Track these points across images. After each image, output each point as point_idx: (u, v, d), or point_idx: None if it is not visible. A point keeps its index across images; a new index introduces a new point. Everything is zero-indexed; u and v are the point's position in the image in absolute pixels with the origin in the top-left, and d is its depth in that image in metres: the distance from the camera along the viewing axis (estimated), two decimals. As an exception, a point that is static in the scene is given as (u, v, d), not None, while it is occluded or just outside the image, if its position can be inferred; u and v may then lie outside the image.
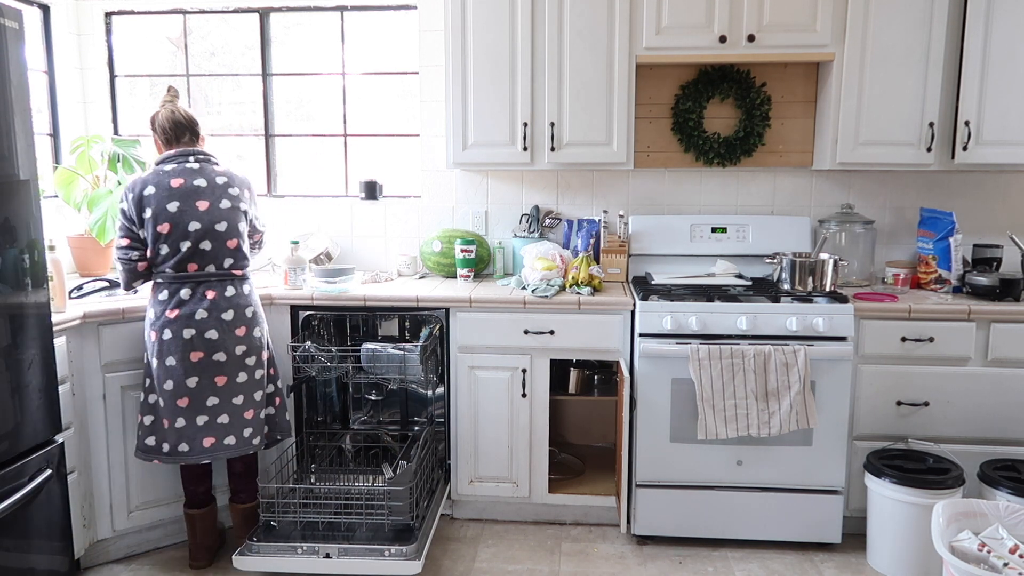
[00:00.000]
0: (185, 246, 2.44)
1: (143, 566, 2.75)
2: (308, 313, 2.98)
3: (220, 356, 2.47)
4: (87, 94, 3.60)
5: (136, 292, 2.84)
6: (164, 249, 2.46)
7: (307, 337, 2.98)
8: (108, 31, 3.59)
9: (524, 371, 2.91)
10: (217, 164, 2.60)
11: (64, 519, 2.27)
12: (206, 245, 2.47)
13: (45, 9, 3.37)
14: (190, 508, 2.68)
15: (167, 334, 2.44)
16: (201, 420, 2.47)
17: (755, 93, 3.27)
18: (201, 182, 2.49)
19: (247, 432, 2.54)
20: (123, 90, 3.67)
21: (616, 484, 2.95)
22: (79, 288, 2.84)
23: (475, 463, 3.00)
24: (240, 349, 2.51)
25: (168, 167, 2.51)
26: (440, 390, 3.20)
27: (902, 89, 2.95)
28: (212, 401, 2.48)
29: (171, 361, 2.44)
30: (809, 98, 3.29)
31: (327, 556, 2.46)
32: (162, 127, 2.57)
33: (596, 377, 3.29)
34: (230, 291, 2.52)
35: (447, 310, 2.93)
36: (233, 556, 2.49)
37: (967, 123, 2.93)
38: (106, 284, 2.91)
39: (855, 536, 2.88)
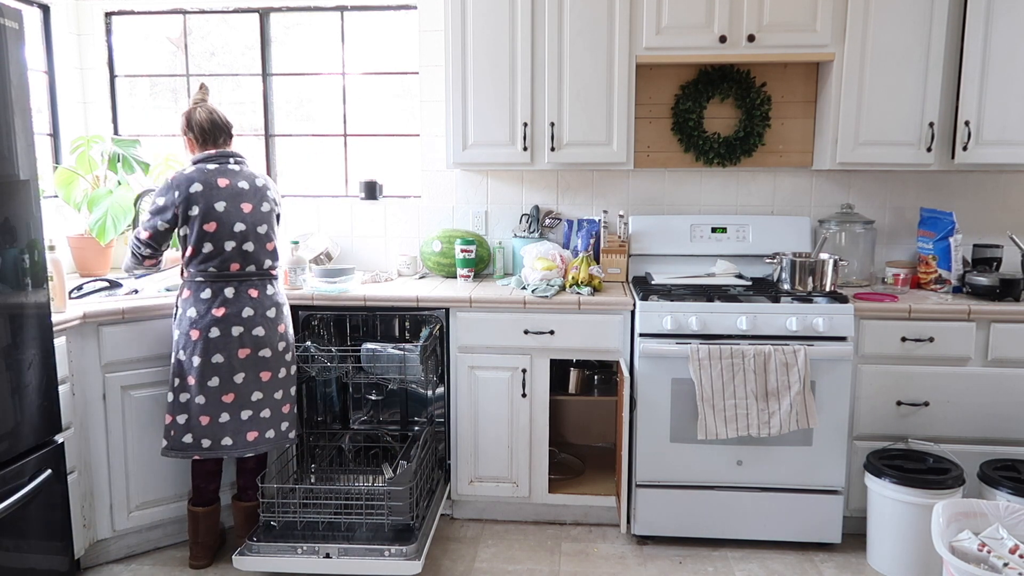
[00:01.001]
0: (230, 246, 2.50)
1: (143, 566, 2.75)
2: (308, 313, 2.98)
3: (266, 352, 2.56)
4: (87, 94, 3.60)
5: (137, 292, 2.85)
6: (207, 247, 2.48)
7: (307, 337, 2.98)
8: (108, 31, 3.59)
9: (524, 371, 2.91)
10: (248, 166, 2.65)
11: (64, 519, 2.27)
12: (249, 246, 2.54)
13: (45, 9, 3.37)
14: (195, 506, 2.68)
15: (215, 332, 2.48)
16: (246, 415, 2.54)
17: (755, 93, 3.27)
18: (244, 184, 2.55)
19: (284, 425, 2.64)
20: (123, 90, 3.67)
21: (616, 484, 2.95)
22: (79, 288, 2.84)
23: (475, 463, 3.00)
24: (282, 345, 2.62)
25: (211, 166, 2.53)
26: (440, 390, 3.20)
27: (902, 89, 2.95)
28: (256, 396, 2.55)
29: (218, 358, 2.49)
30: (809, 98, 3.29)
31: (327, 556, 2.46)
32: (200, 127, 2.57)
33: (596, 377, 3.29)
34: (270, 290, 2.61)
35: (447, 310, 2.93)
36: (233, 556, 2.49)
37: (967, 123, 2.93)
38: (106, 284, 2.91)
39: (855, 536, 2.88)
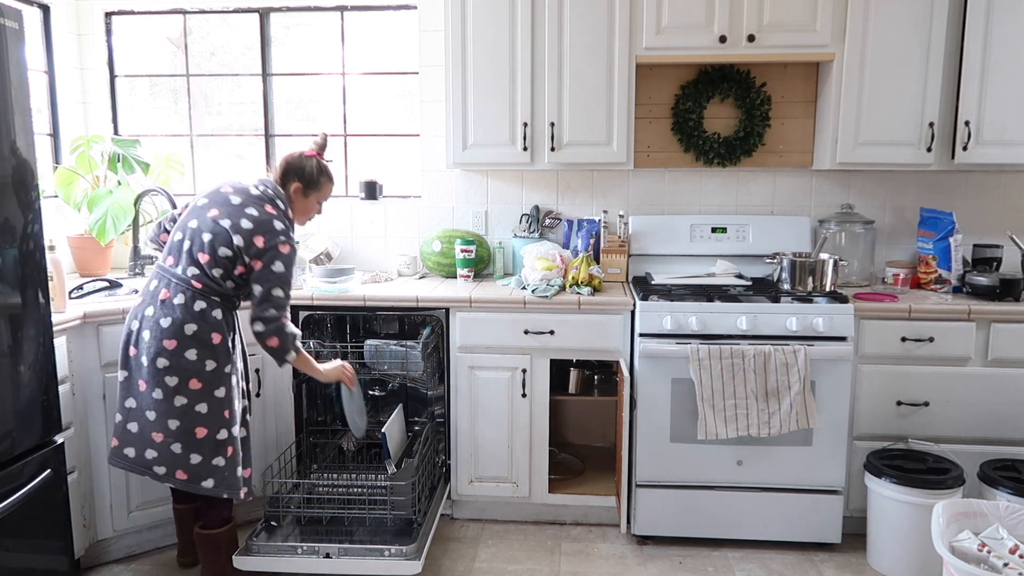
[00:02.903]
0: (177, 236, 2.37)
1: (143, 566, 2.75)
2: (308, 313, 2.98)
3: (144, 359, 2.29)
4: (87, 94, 3.60)
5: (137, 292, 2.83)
6: (170, 229, 2.48)
7: (307, 337, 2.99)
8: (108, 31, 3.59)
9: (524, 371, 2.91)
10: (267, 203, 2.38)
11: (64, 519, 2.27)
12: (186, 244, 2.32)
13: (45, 9, 3.37)
14: (176, 503, 2.66)
15: (126, 318, 2.38)
16: (118, 418, 2.35)
17: (755, 93, 3.27)
18: (235, 199, 2.35)
19: (150, 454, 2.31)
20: (123, 90, 3.67)
21: (616, 484, 2.95)
22: (79, 288, 2.84)
23: (475, 463, 3.00)
24: (161, 363, 2.26)
25: (244, 181, 2.45)
26: (440, 389, 3.20)
27: (902, 89, 2.95)
28: (130, 403, 2.33)
29: (121, 348, 2.36)
30: (809, 98, 3.29)
31: (327, 556, 2.46)
32: (310, 176, 2.49)
33: (596, 377, 3.29)
34: (179, 299, 2.29)
35: (447, 310, 2.93)
36: (233, 556, 2.49)
37: (967, 123, 2.93)
38: (106, 284, 2.91)
39: (855, 536, 2.88)
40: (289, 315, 2.35)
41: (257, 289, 2.29)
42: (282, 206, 2.41)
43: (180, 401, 2.28)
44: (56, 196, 3.28)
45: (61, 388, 2.40)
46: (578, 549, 2.87)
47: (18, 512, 2.03)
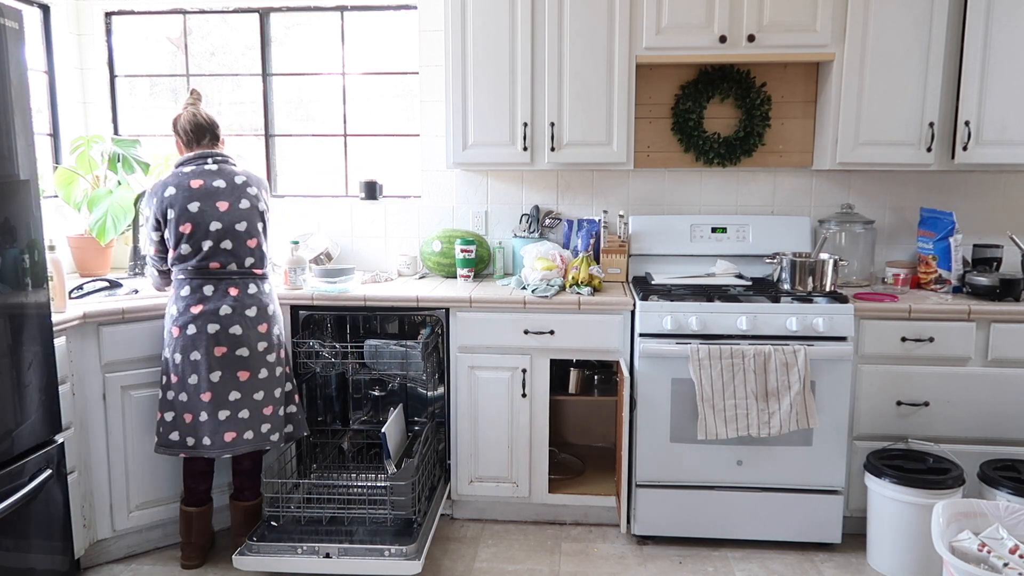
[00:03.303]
0: (207, 245, 2.50)
1: (143, 566, 2.75)
2: (308, 313, 2.98)
3: (243, 351, 2.51)
4: (87, 94, 3.60)
5: (137, 292, 2.85)
6: (185, 248, 2.51)
7: (308, 337, 2.99)
8: (108, 31, 3.59)
9: (524, 371, 2.91)
10: (235, 165, 2.64)
11: (64, 519, 2.27)
12: (227, 244, 2.52)
13: (45, 9, 3.37)
14: (188, 506, 2.69)
15: (191, 329, 2.48)
16: (223, 415, 2.51)
17: (755, 93, 3.27)
18: (220, 183, 2.54)
19: (265, 428, 2.58)
20: (123, 90, 3.67)
21: (616, 484, 2.95)
22: (79, 288, 2.84)
23: (475, 463, 3.00)
24: (262, 345, 2.56)
25: (187, 169, 2.57)
26: (440, 389, 3.21)
27: (902, 89, 2.95)
28: (234, 396, 2.52)
29: (196, 356, 2.49)
30: (809, 98, 3.29)
31: (327, 556, 2.46)
32: (183, 129, 2.64)
33: (596, 377, 3.29)
34: (252, 288, 2.57)
35: (447, 310, 2.93)
36: (233, 556, 2.49)
37: (967, 123, 2.93)
38: (106, 284, 2.91)
39: (855, 536, 2.88)
40: None
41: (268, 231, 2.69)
42: (232, 159, 2.67)
43: (279, 370, 2.63)
44: (56, 196, 3.28)
45: (61, 388, 2.40)
46: (578, 549, 2.87)
47: (18, 512, 2.03)
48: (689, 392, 2.74)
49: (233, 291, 2.53)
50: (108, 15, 3.58)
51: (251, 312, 2.54)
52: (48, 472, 2.16)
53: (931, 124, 2.95)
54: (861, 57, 2.94)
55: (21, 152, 2.07)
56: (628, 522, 2.86)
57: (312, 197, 3.59)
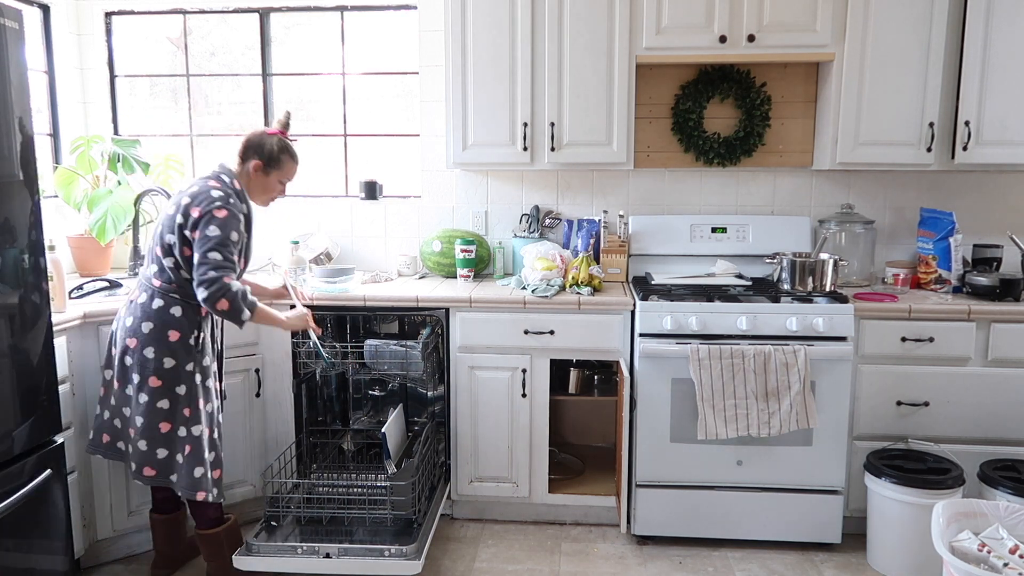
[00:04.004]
0: (149, 244, 2.45)
1: (143, 566, 2.75)
2: (308, 313, 2.98)
3: (116, 353, 2.39)
4: (87, 94, 3.60)
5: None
6: None
7: (307, 337, 2.98)
8: (108, 31, 3.59)
9: (524, 371, 2.91)
10: (211, 179, 2.38)
11: (64, 519, 2.27)
12: (149, 245, 2.41)
13: (45, 9, 3.37)
14: (154, 512, 2.65)
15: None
16: (106, 415, 2.46)
17: (755, 93, 3.27)
18: (193, 187, 2.35)
19: (129, 448, 2.41)
20: (123, 90, 3.67)
21: (616, 484, 2.95)
22: (79, 288, 2.84)
23: (475, 463, 3.00)
24: (128, 360, 2.35)
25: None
26: (440, 389, 3.21)
27: (902, 89, 2.95)
28: (112, 400, 2.44)
29: (107, 348, 2.48)
30: (809, 98, 3.29)
31: (327, 556, 2.46)
32: (270, 154, 2.45)
33: (596, 377, 3.29)
34: (142, 298, 2.36)
35: (447, 310, 2.93)
36: (233, 556, 2.49)
37: (967, 123, 2.93)
38: (106, 284, 2.91)
39: (855, 536, 2.88)
40: (233, 276, 2.28)
41: (195, 257, 2.26)
42: (227, 180, 2.39)
43: (143, 398, 2.34)
44: (56, 196, 3.28)
45: (61, 388, 2.40)
46: (578, 549, 2.87)
47: (18, 512, 2.03)
48: (689, 392, 2.73)
49: (134, 294, 2.40)
50: (108, 15, 3.57)
51: (128, 321, 2.36)
52: (48, 472, 2.16)
53: (931, 124, 2.95)
54: (861, 57, 2.94)
55: (21, 152, 2.07)
56: (628, 522, 2.86)
57: (312, 197, 3.59)
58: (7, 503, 1.96)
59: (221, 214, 2.26)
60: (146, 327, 2.32)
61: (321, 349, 2.68)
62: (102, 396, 2.46)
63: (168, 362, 2.33)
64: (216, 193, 2.30)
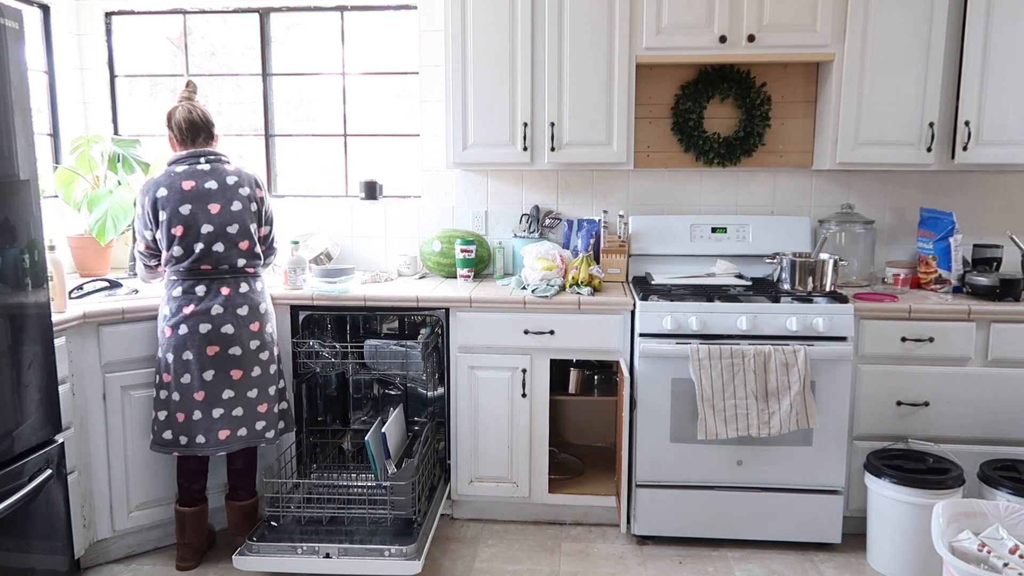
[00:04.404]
0: (198, 248, 2.50)
1: (143, 566, 2.75)
2: (308, 313, 2.98)
3: (236, 350, 2.53)
4: (87, 94, 3.60)
5: (137, 292, 2.86)
6: (177, 250, 2.51)
7: (307, 337, 2.99)
8: (108, 31, 3.59)
9: (524, 371, 2.91)
10: (228, 163, 2.63)
11: (64, 519, 2.27)
12: (219, 247, 2.52)
13: (45, 9, 3.37)
14: (182, 506, 2.69)
15: (183, 329, 2.49)
16: (217, 413, 2.53)
17: (755, 93, 3.27)
18: (212, 184, 2.53)
19: (259, 425, 2.60)
20: (123, 90, 3.67)
21: (616, 484, 2.95)
22: (79, 288, 2.84)
23: (475, 463, 3.00)
24: (254, 344, 2.57)
25: (179, 168, 2.56)
26: (440, 389, 3.21)
27: (902, 89, 2.95)
28: (228, 394, 2.53)
29: (188, 355, 2.50)
30: (809, 98, 3.29)
31: (327, 556, 2.46)
32: (178, 125, 2.61)
33: (596, 377, 3.29)
34: (244, 287, 2.57)
35: (447, 310, 2.93)
36: (233, 556, 2.49)
37: (967, 123, 2.93)
38: (106, 284, 2.91)
39: (855, 536, 2.88)
40: None
41: (270, 232, 2.74)
42: (225, 157, 2.66)
43: (272, 368, 2.65)
44: (56, 196, 3.28)
45: (61, 388, 2.40)
46: (578, 549, 2.87)
47: (18, 512, 2.03)
48: (689, 392, 2.73)
49: (224, 290, 2.54)
50: (108, 15, 3.58)
51: (242, 311, 2.55)
52: (48, 472, 2.15)
53: (931, 124, 2.95)
54: (861, 57, 2.94)
55: (21, 152, 2.07)
56: (628, 522, 2.86)
57: (312, 197, 3.60)
58: (7, 503, 1.96)
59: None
60: (263, 307, 2.63)
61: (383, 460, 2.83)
62: (207, 397, 2.52)
63: (272, 329, 2.70)
64: (248, 171, 2.68)
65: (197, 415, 2.52)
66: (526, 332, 2.88)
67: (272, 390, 2.65)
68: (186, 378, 2.51)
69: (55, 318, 2.38)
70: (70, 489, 2.43)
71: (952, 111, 2.96)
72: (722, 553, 2.83)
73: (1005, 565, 2.01)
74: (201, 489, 2.72)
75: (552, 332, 2.88)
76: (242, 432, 2.57)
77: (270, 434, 2.64)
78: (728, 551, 2.84)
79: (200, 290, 2.52)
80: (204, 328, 2.49)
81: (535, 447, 2.97)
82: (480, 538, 2.95)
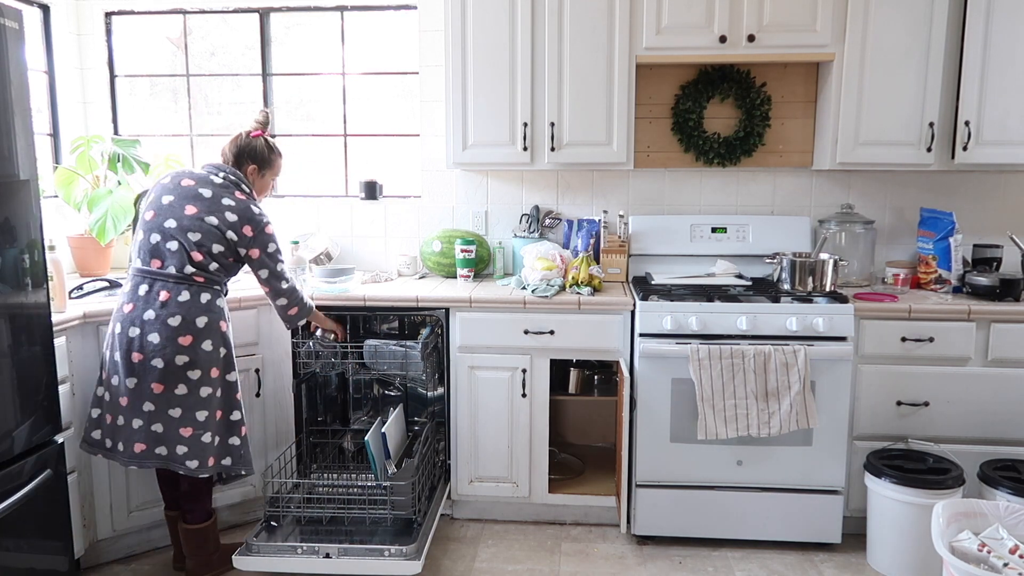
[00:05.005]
0: (155, 239, 2.38)
1: (143, 566, 2.75)
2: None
3: (158, 362, 2.32)
4: (87, 94, 3.60)
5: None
6: (139, 235, 2.42)
7: (307, 337, 2.99)
8: (108, 31, 3.59)
9: (524, 371, 2.91)
10: (240, 193, 2.47)
11: (64, 519, 2.27)
12: (172, 245, 2.36)
13: (45, 9, 3.37)
14: (168, 510, 2.67)
15: (117, 328, 2.36)
16: (136, 423, 2.36)
17: (755, 93, 3.27)
18: (207, 192, 2.42)
19: (181, 450, 2.37)
20: (123, 90, 3.67)
21: (616, 484, 2.95)
22: (79, 288, 2.84)
23: (475, 463, 3.00)
24: (181, 359, 2.33)
25: (195, 169, 2.53)
26: (440, 389, 3.21)
27: (902, 89, 2.95)
28: (148, 407, 2.35)
29: (116, 356, 2.36)
30: (809, 98, 3.29)
31: (327, 556, 2.46)
32: (261, 154, 2.58)
33: (596, 377, 3.29)
34: (184, 296, 2.35)
35: (447, 310, 2.93)
36: (233, 556, 2.49)
37: (967, 123, 2.93)
38: (106, 284, 2.91)
39: (855, 536, 2.88)
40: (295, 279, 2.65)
41: (264, 272, 2.51)
42: (247, 189, 2.54)
43: (205, 392, 2.39)
44: (56, 196, 3.28)
45: (61, 388, 2.40)
46: (578, 549, 2.87)
47: (18, 512, 2.03)
48: (689, 392, 2.73)
49: (163, 295, 2.34)
50: (108, 15, 3.57)
51: (174, 321, 2.32)
52: (48, 472, 2.16)
53: (931, 124, 2.95)
54: (861, 57, 2.94)
55: (21, 152, 2.07)
56: (628, 522, 2.86)
57: (312, 197, 3.60)
58: (7, 503, 1.96)
59: (270, 230, 2.50)
60: (201, 322, 2.38)
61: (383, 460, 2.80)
62: (129, 406, 2.36)
63: (222, 351, 2.44)
64: (256, 209, 2.49)
65: (120, 420, 2.38)
66: (526, 332, 2.88)
67: (201, 416, 2.38)
68: (115, 379, 2.38)
69: (55, 318, 2.38)
70: (70, 489, 2.43)
71: (952, 111, 2.96)
72: (722, 553, 2.83)
73: (1005, 565, 2.01)
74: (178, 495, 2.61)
75: (552, 332, 2.88)
76: (160, 451, 2.36)
77: (193, 464, 2.37)
78: (728, 551, 2.84)
79: (142, 290, 2.36)
80: (133, 332, 2.32)
81: (535, 447, 2.97)
82: (480, 538, 2.95)
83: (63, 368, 2.49)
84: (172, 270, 2.36)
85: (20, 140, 2.06)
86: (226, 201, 2.43)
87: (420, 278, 3.36)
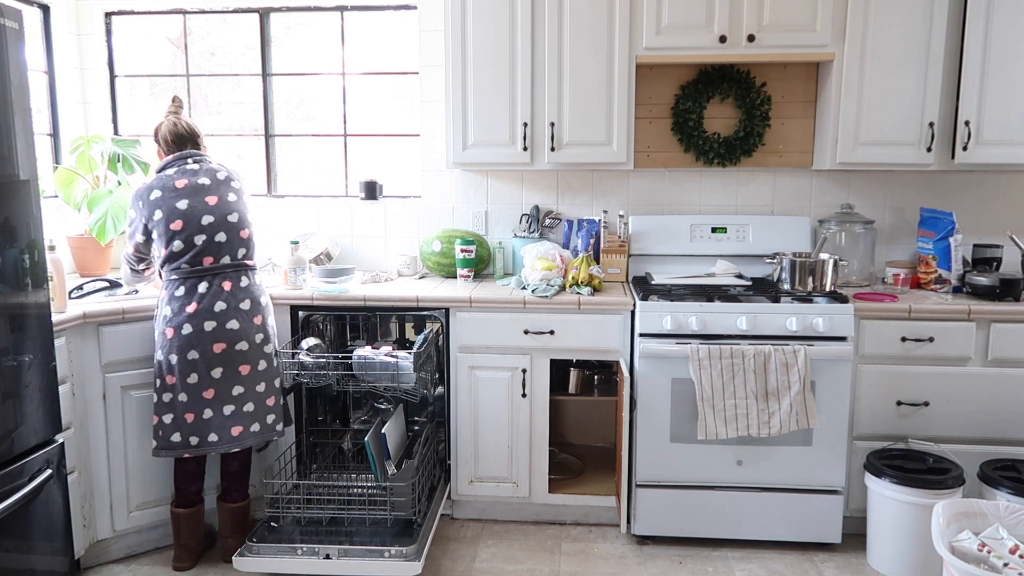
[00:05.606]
0: (200, 240, 2.51)
1: (143, 566, 2.75)
2: (308, 313, 2.98)
3: (243, 345, 2.54)
4: (87, 94, 3.60)
5: (137, 292, 2.86)
6: (178, 245, 2.50)
7: (307, 337, 2.98)
8: (108, 31, 3.59)
9: (524, 371, 2.91)
10: (211, 161, 2.67)
11: (64, 519, 2.27)
12: (221, 237, 2.54)
13: (45, 9, 3.37)
14: (178, 507, 2.69)
15: (187, 328, 2.48)
16: (228, 410, 2.54)
17: (755, 93, 3.27)
18: (205, 180, 2.57)
19: (270, 418, 2.63)
20: (123, 90, 3.67)
21: (616, 484, 2.95)
22: (79, 288, 2.84)
23: (475, 463, 3.00)
24: (259, 337, 2.59)
25: (170, 171, 2.59)
26: (440, 390, 3.20)
27: (902, 89, 2.95)
28: (238, 390, 2.54)
29: (193, 355, 2.49)
30: (809, 98, 3.29)
31: (327, 557, 2.46)
32: (164, 139, 2.66)
33: (596, 377, 3.29)
34: (244, 281, 2.59)
35: (447, 310, 2.93)
36: (233, 556, 2.49)
37: (967, 123, 2.93)
38: (106, 284, 2.91)
39: (855, 536, 2.88)
40: None
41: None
42: (211, 157, 2.72)
43: (276, 361, 2.67)
44: (56, 196, 3.28)
45: (61, 388, 2.40)
46: (578, 549, 2.87)
47: (18, 512, 2.03)
48: (689, 392, 2.73)
49: (227, 285, 2.54)
50: (108, 15, 3.57)
51: (245, 305, 2.56)
52: (48, 472, 2.15)
53: (931, 124, 2.95)
54: (861, 57, 2.94)
55: (21, 152, 2.07)
56: (628, 522, 2.86)
57: (312, 197, 3.59)
58: (7, 503, 1.96)
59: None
60: (263, 300, 2.65)
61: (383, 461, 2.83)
62: (217, 395, 2.51)
63: (273, 322, 2.72)
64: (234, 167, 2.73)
65: (208, 414, 2.52)
66: (526, 332, 2.88)
67: (277, 382, 2.67)
68: (193, 378, 2.49)
69: (55, 318, 2.38)
70: (70, 489, 2.43)
71: (952, 111, 2.96)
72: (722, 553, 2.83)
73: (1005, 565, 2.01)
74: (198, 491, 2.72)
75: (552, 332, 2.88)
76: (255, 428, 2.58)
77: (279, 427, 2.66)
78: (728, 551, 2.84)
79: (202, 287, 2.51)
80: (209, 326, 2.49)
81: (535, 447, 2.97)
82: (480, 538, 2.95)
83: (63, 368, 2.49)
84: (227, 259, 2.56)
85: (20, 140, 2.06)
86: (220, 175, 2.62)
87: (420, 278, 3.36)
